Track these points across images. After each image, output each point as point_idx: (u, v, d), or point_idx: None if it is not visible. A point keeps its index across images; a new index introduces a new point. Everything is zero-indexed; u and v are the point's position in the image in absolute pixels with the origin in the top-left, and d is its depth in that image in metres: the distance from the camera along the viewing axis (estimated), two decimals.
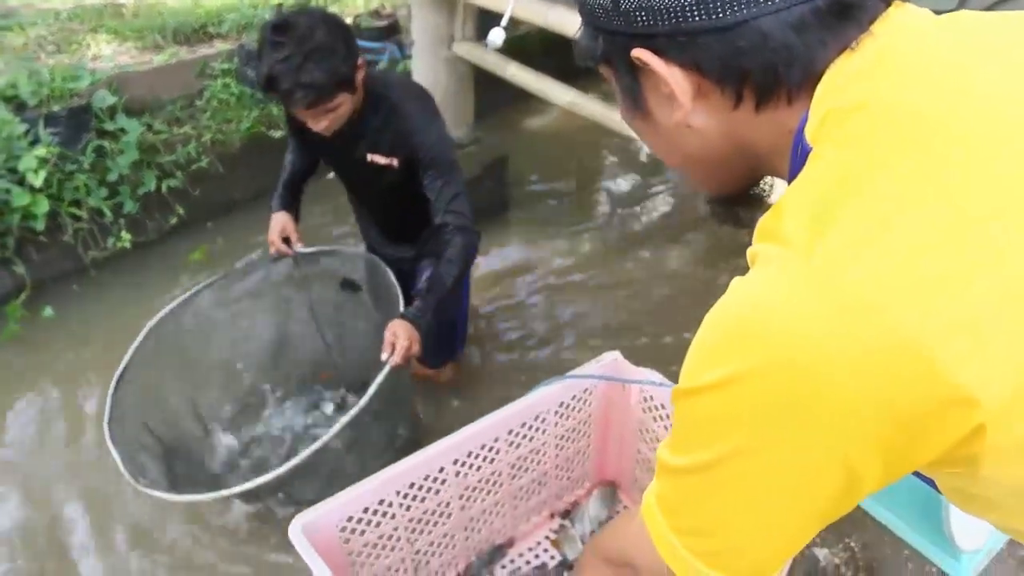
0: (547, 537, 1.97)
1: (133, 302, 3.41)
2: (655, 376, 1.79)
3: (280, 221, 2.48)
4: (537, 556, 1.93)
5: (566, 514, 2.01)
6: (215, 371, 2.62)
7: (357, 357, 2.70)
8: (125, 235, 3.54)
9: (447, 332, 2.78)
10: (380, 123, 2.23)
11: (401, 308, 2.21)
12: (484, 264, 3.64)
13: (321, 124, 2.10)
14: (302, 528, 1.44)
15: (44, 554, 2.43)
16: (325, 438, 1.89)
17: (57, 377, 3.08)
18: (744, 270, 0.66)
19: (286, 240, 2.49)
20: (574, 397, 1.83)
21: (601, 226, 3.98)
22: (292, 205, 2.53)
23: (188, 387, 2.51)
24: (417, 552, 1.72)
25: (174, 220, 3.77)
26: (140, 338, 2.30)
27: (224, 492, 1.90)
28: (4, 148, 3.24)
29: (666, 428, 1.79)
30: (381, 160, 2.28)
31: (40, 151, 3.23)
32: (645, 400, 1.83)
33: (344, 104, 2.09)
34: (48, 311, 3.33)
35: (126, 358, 2.24)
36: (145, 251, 3.69)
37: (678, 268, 3.63)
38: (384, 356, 2.06)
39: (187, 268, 3.61)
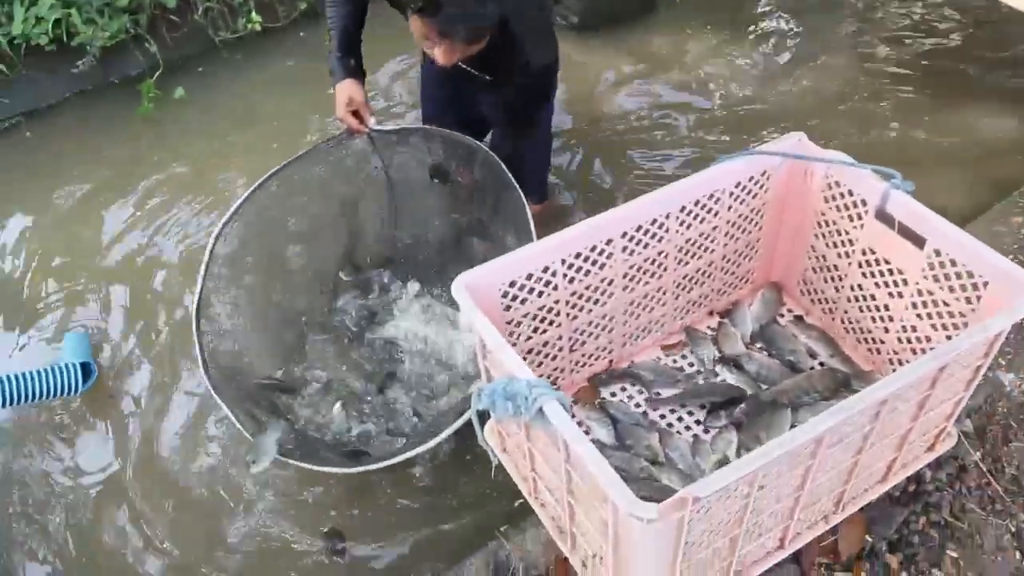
0: (707, 333, 1.85)
1: (263, 86, 3.33)
2: (843, 156, 1.59)
3: (346, 92, 2.08)
4: (692, 351, 1.82)
5: (726, 314, 1.88)
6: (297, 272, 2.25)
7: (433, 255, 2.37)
8: (255, 16, 3.42)
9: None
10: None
11: (522, 197, 1.93)
12: (622, 68, 3.38)
13: (449, 58, 1.77)
14: (464, 285, 1.35)
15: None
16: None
17: (188, 158, 3.07)
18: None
19: (356, 114, 2.11)
20: (751, 179, 1.65)
21: (760, 31, 3.60)
22: (355, 69, 2.11)
23: (278, 292, 2.20)
24: (575, 331, 1.63)
25: (303, 6, 3.61)
26: (208, 254, 1.95)
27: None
28: None
29: (851, 218, 1.61)
30: (475, 72, 2.02)
31: None
32: (829, 187, 1.64)
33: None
34: (180, 92, 3.28)
35: (199, 282, 1.92)
36: (275, 36, 3.57)
37: (849, 76, 3.27)
38: None
39: (320, 51, 3.47)
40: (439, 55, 1.76)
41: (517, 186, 1.96)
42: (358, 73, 2.12)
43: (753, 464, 1.08)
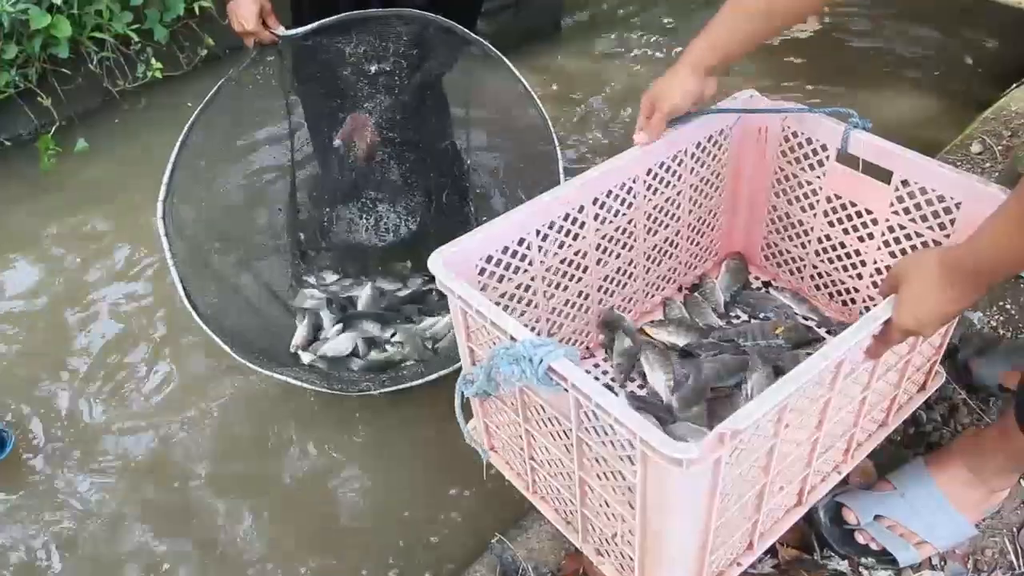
0: (681, 305, 1.81)
1: (170, 134, 3.16)
2: (796, 105, 1.59)
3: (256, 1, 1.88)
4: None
5: (694, 288, 1.84)
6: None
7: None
8: (156, 63, 3.26)
9: None
10: None
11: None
12: (533, 83, 3.39)
13: None
14: (443, 262, 1.25)
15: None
16: None
17: (97, 210, 2.88)
18: None
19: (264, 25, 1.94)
20: (710, 139, 1.62)
21: (662, 55, 3.68)
22: None
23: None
24: (552, 311, 1.55)
25: (204, 52, 3.49)
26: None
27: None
28: None
29: (811, 167, 1.60)
30: None
31: None
32: (787, 139, 1.63)
33: None
34: (81, 144, 3.08)
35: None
36: (178, 82, 3.42)
37: (761, 69, 3.36)
38: None
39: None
40: None
41: (478, 38, 2.02)
42: None
43: (783, 392, 1.02)
